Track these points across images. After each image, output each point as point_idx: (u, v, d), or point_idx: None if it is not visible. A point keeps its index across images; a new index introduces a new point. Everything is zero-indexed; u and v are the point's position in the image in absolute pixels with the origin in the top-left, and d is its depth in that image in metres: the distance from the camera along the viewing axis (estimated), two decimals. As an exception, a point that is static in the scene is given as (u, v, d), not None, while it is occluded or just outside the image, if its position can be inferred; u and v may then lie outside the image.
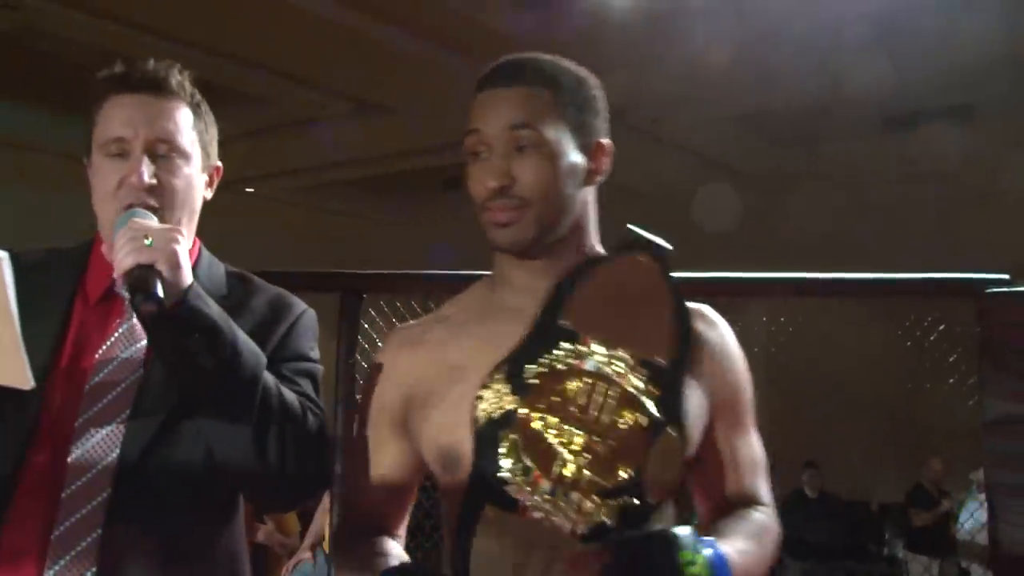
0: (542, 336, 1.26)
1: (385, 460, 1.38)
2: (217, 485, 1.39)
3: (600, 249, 1.40)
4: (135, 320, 1.38)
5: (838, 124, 7.41)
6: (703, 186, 8.62)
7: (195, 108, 1.46)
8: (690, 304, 1.35)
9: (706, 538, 1.12)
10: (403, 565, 1.27)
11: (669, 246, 1.31)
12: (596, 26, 5.52)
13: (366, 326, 2.79)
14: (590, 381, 1.22)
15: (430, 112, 7.04)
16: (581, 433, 1.19)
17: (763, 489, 1.39)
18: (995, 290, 2.58)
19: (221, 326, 1.26)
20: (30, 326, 1.27)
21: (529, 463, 1.18)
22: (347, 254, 8.62)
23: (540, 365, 1.24)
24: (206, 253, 1.52)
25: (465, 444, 1.24)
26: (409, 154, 8.40)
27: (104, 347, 1.38)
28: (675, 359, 1.25)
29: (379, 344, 3.36)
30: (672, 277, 1.30)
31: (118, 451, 1.31)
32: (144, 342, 1.38)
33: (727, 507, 1.35)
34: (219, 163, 1.53)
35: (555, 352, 1.24)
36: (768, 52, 6.05)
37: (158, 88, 1.41)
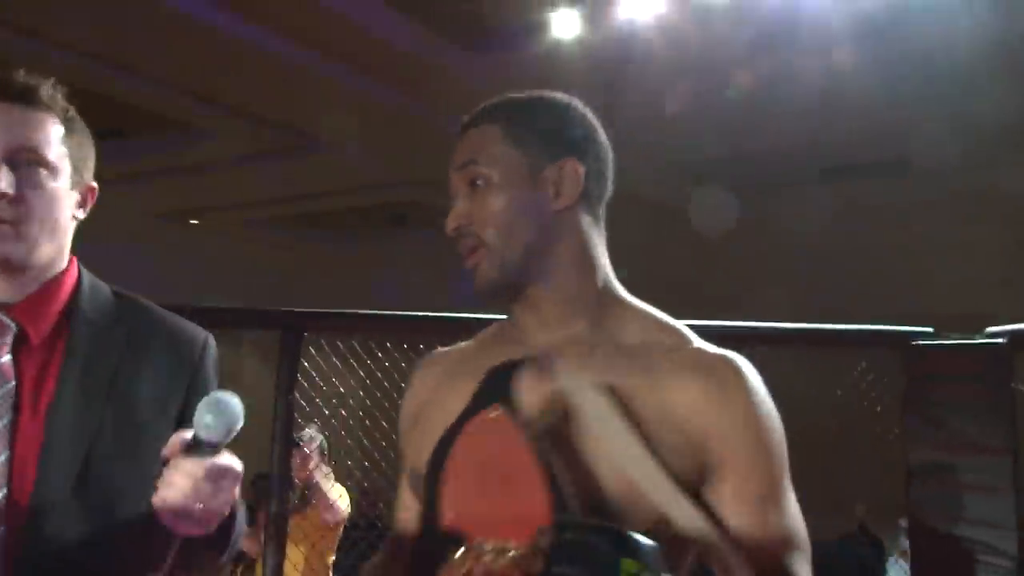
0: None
1: (403, 482, 1.36)
2: (138, 525, 1.27)
3: (611, 281, 1.28)
4: (1, 361, 1.27)
5: (776, 174, 7.59)
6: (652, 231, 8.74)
7: (67, 123, 1.34)
8: (709, 351, 1.20)
9: None
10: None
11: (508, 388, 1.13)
12: (545, 72, 5.62)
13: (305, 364, 2.80)
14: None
15: (378, 148, 7.09)
16: None
17: (799, 572, 1.14)
18: (920, 342, 2.66)
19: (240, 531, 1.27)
20: None
21: None
22: (293, 289, 8.61)
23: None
24: (87, 275, 1.39)
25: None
26: (356, 190, 8.42)
27: None
28: None
29: (318, 382, 3.39)
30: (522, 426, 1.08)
31: (3, 491, 1.20)
32: (12, 384, 1.26)
33: None
34: (94, 184, 1.40)
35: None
36: (713, 102, 6.18)
37: (25, 98, 1.31)
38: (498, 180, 1.23)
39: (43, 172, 1.29)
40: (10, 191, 1.25)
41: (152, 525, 1.18)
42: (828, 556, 7.02)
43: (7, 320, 1.28)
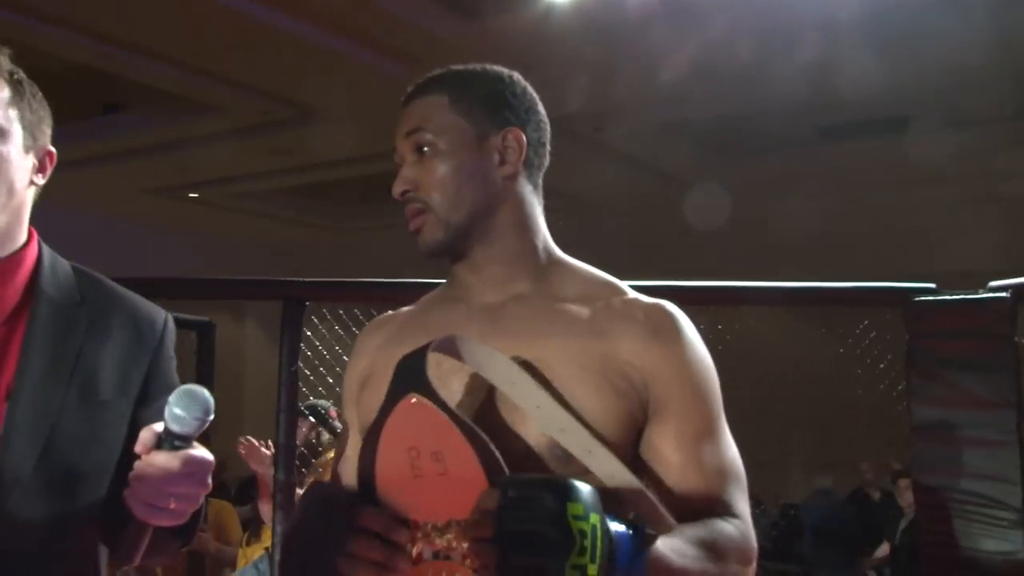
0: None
1: (350, 440, 1.38)
2: (94, 506, 1.27)
3: (550, 243, 1.35)
4: None
5: (774, 134, 7.54)
6: (641, 193, 8.73)
7: (15, 86, 1.28)
8: (644, 300, 1.29)
9: (629, 520, 1.02)
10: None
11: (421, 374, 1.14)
12: (539, 36, 5.58)
13: (308, 333, 2.81)
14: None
15: (376, 118, 7.05)
16: None
17: (736, 500, 1.22)
18: (922, 299, 2.66)
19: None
20: None
21: None
22: (294, 261, 8.61)
23: None
24: (47, 251, 1.33)
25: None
26: (354, 160, 8.39)
27: None
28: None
29: (322, 351, 3.40)
30: (444, 404, 1.11)
31: None
32: None
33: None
34: (52, 148, 1.34)
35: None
36: (710, 63, 6.14)
37: None
38: (444, 147, 1.28)
39: None
40: None
41: (117, 509, 1.18)
42: (830, 515, 7.09)
43: None
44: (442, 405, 1.10)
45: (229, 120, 7.52)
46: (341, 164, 8.56)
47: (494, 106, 1.31)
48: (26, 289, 1.28)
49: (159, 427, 1.13)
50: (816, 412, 7.62)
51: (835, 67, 6.02)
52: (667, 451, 1.22)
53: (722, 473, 1.23)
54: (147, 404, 1.30)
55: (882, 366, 3.03)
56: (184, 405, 1.12)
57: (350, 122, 7.29)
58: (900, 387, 2.72)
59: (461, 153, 1.28)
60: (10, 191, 1.25)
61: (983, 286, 2.62)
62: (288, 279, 2.77)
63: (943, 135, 7.08)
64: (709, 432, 1.24)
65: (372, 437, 1.14)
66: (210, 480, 1.16)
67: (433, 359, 1.16)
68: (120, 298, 1.37)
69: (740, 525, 1.20)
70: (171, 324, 1.40)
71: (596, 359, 1.21)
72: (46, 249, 1.33)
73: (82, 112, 6.87)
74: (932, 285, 2.69)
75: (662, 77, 6.28)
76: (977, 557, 2.42)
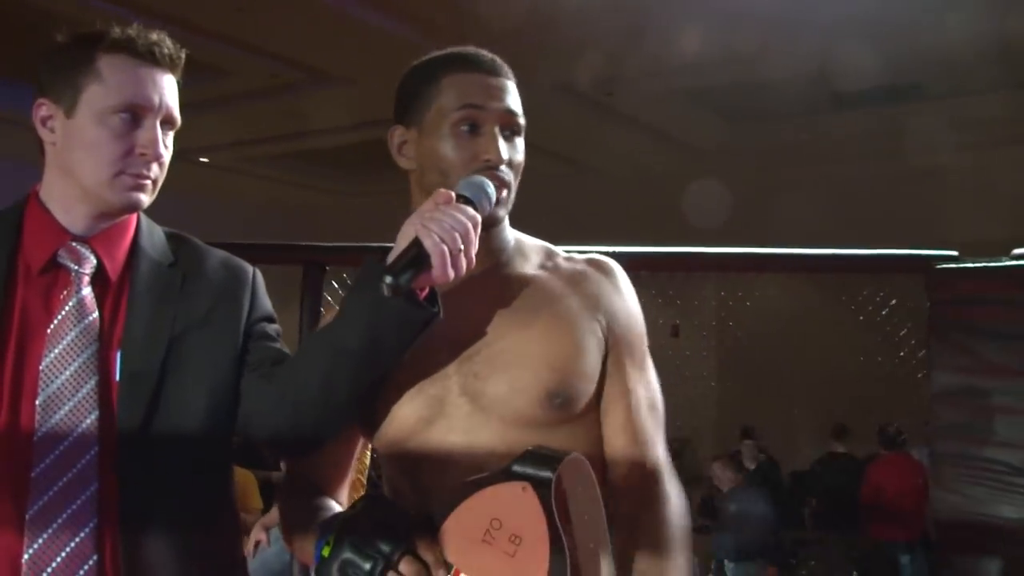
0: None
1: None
2: (211, 444, 1.37)
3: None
4: (84, 293, 1.32)
5: (790, 101, 7.48)
6: (655, 160, 8.68)
7: (178, 69, 1.46)
8: (588, 255, 1.44)
9: None
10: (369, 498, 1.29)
11: (549, 475, 1.15)
12: (555, 2, 5.52)
13: (328, 298, 2.80)
14: None
15: (386, 82, 7.01)
16: None
17: (660, 440, 1.41)
18: (943, 266, 2.63)
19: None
20: None
21: None
22: (307, 226, 8.58)
23: None
24: (144, 218, 1.45)
25: (379, 413, 1.34)
26: (367, 124, 8.36)
27: (53, 324, 1.30)
28: None
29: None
30: (552, 510, 1.13)
31: (95, 414, 1.28)
32: (96, 315, 1.32)
33: (628, 476, 1.37)
34: None
35: None
36: (725, 30, 6.09)
37: (172, 65, 1.44)
38: (522, 143, 1.38)
39: (171, 132, 1.42)
40: (163, 153, 1.38)
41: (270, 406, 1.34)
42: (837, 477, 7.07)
43: (88, 252, 1.34)
44: (550, 516, 1.11)
45: (241, 84, 7.48)
46: (352, 129, 8.52)
47: None
48: (130, 250, 1.39)
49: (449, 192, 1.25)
50: (831, 381, 7.61)
51: (849, 33, 5.97)
52: (622, 378, 1.39)
53: (652, 406, 1.42)
54: (251, 333, 1.42)
55: (903, 333, 3.01)
56: (482, 180, 1.29)
57: (360, 85, 7.25)
58: (921, 354, 2.71)
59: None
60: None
61: (1001, 255, 2.60)
62: (309, 244, 2.76)
63: (956, 102, 7.02)
64: (643, 363, 1.43)
65: (469, 488, 1.17)
66: (475, 241, 1.23)
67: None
68: (207, 252, 1.47)
69: (669, 480, 1.39)
70: (259, 274, 1.51)
71: (579, 306, 1.37)
72: (144, 218, 1.44)
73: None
74: (954, 252, 2.66)
75: (675, 43, 6.23)
76: (997, 524, 2.42)
